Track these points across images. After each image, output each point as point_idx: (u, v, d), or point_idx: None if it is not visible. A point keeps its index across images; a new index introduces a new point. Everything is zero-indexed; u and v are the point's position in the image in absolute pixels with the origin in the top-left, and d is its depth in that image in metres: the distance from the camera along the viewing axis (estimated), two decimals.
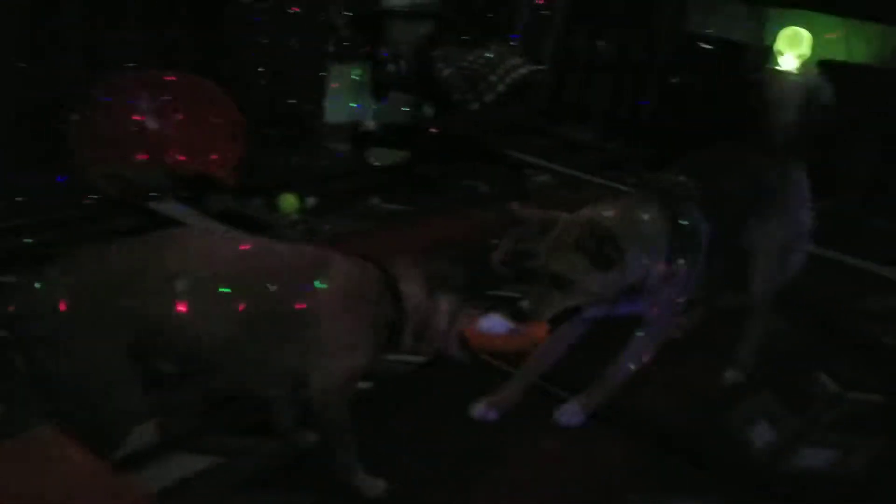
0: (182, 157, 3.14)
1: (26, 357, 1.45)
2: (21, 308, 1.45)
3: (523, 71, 3.57)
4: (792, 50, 4.35)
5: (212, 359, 1.58)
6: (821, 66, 4.13)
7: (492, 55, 3.53)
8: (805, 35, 4.33)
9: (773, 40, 4.44)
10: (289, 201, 3.15)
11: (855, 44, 4.28)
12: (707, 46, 4.38)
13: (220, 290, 1.48)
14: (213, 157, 3.16)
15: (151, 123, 3.09)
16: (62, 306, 1.40)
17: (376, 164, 3.74)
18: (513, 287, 2.74)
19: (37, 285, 1.45)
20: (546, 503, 1.78)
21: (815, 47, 4.33)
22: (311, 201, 3.20)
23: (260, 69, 3.50)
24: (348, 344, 1.58)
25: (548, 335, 1.82)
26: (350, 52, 3.75)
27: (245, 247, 1.57)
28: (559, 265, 1.78)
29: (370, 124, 3.95)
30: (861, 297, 3.08)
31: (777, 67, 4.38)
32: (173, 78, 3.19)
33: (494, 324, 1.69)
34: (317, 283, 1.55)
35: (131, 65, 3.20)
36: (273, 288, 1.51)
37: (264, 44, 3.45)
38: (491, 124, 4.29)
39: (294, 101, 3.66)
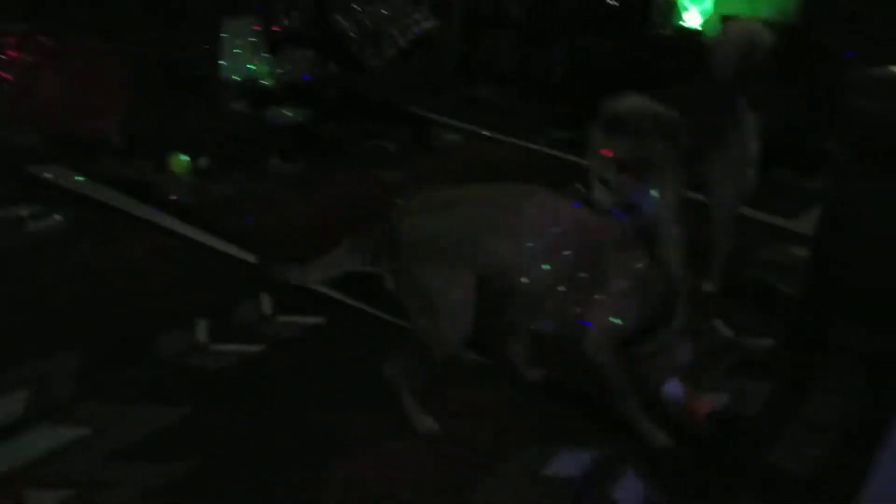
0: (63, 118, 2.96)
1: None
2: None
3: (426, 26, 3.48)
4: (695, 5, 4.38)
5: (531, 297, 1.79)
6: (724, 21, 4.16)
7: (393, 10, 3.42)
8: None
9: None
10: (179, 163, 3.00)
11: (760, 1, 4.33)
12: (613, 3, 4.36)
13: (555, 244, 1.75)
14: (97, 117, 2.99)
15: (28, 83, 2.90)
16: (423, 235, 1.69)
17: (275, 123, 3.60)
18: None
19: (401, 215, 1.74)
20: (436, 457, 1.74)
21: (719, 3, 4.36)
22: (203, 162, 3.05)
23: (149, 24, 3.30)
24: (623, 306, 1.80)
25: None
26: (244, 6, 3.57)
27: (572, 210, 1.82)
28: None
29: (269, 82, 3.79)
30: (761, 247, 3.13)
31: (681, 23, 4.41)
32: (52, 35, 2.99)
33: (675, 389, 1.87)
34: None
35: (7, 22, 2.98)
36: (590, 248, 1.78)
37: None
38: (397, 82, 4.19)
39: (186, 57, 3.48)
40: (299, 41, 3.45)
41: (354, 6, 3.37)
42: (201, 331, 2.07)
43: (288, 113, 3.55)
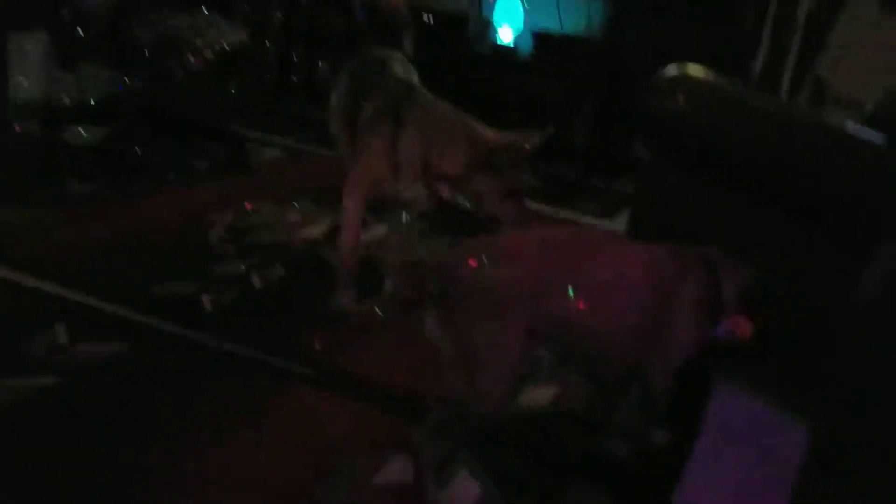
0: None
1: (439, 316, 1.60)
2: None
3: (234, 39, 3.34)
4: (507, 22, 4.53)
5: (586, 348, 1.80)
6: (534, 37, 4.32)
7: (198, 21, 3.27)
8: (518, 7, 4.54)
9: (492, 13, 4.60)
10: None
11: (567, 17, 4.53)
12: (429, 20, 4.42)
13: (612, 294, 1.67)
14: None
15: None
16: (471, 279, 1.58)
17: (72, 143, 3.31)
18: (234, 263, 2.55)
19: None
20: (264, 466, 1.63)
21: (529, 20, 4.53)
22: None
23: None
24: (684, 343, 1.74)
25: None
26: (32, 17, 3.27)
27: (630, 249, 1.78)
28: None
29: (65, 99, 3.49)
30: None
31: (498, 41, 4.53)
32: None
33: None
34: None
35: None
36: (649, 293, 1.69)
37: None
38: (210, 98, 4.00)
39: None
40: (95, 55, 3.20)
41: (158, 19, 3.18)
42: None
43: (86, 132, 3.28)
